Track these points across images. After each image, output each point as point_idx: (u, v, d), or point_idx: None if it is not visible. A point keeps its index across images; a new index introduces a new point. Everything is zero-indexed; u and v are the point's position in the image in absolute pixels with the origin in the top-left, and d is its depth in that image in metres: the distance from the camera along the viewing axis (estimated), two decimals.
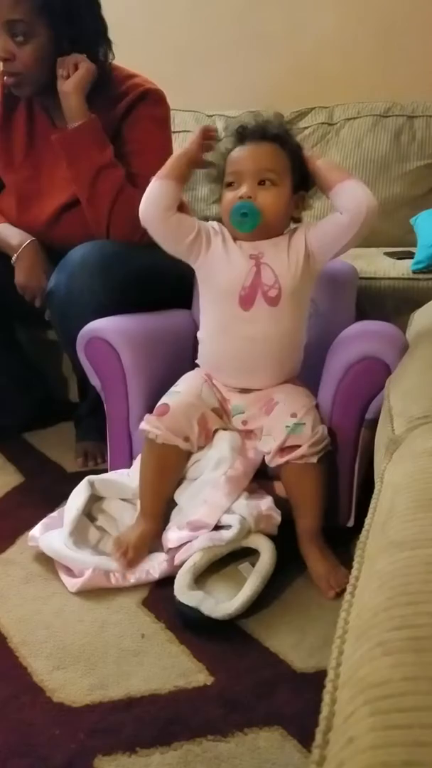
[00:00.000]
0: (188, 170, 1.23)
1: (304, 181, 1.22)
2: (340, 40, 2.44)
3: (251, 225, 1.16)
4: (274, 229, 1.20)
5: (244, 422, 1.26)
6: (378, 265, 1.80)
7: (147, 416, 1.22)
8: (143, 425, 1.21)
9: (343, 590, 1.11)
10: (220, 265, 1.22)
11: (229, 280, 1.21)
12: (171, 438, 1.19)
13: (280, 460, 1.17)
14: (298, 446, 1.15)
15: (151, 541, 1.21)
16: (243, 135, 1.21)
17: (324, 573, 1.15)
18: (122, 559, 1.16)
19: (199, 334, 1.29)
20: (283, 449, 1.17)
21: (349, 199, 1.16)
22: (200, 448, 1.23)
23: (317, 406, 1.23)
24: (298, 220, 1.26)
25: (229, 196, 1.19)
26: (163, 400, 1.23)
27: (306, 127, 2.33)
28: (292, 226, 1.26)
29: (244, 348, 1.22)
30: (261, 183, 1.17)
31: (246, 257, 1.20)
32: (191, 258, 1.24)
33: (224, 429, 1.26)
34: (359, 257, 1.81)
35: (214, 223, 1.26)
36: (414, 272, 1.75)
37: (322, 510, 1.19)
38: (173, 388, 1.26)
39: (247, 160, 1.18)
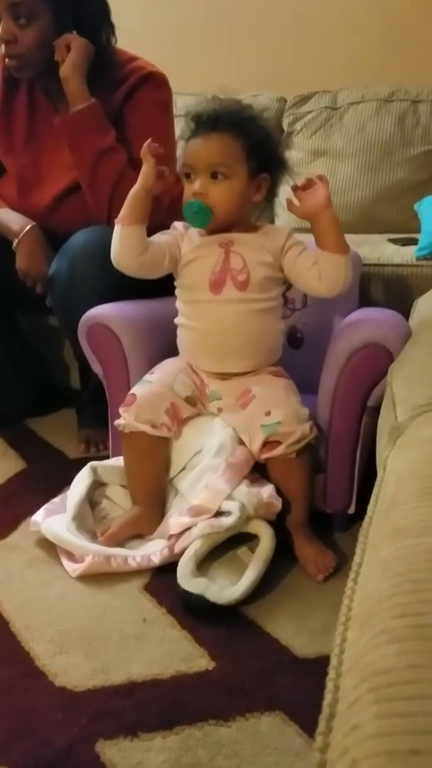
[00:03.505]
0: (149, 203, 1.20)
1: (266, 164, 1.20)
2: (344, 23, 2.42)
3: (202, 222, 1.18)
4: (232, 220, 1.21)
5: (219, 409, 1.26)
6: (381, 251, 1.79)
7: (119, 409, 1.23)
8: (116, 421, 1.24)
9: (331, 573, 1.13)
10: (192, 258, 1.23)
11: (201, 268, 1.22)
12: (136, 425, 1.20)
13: (262, 457, 1.19)
14: (279, 443, 1.16)
15: (143, 525, 1.23)
16: (196, 124, 1.19)
17: (312, 557, 1.17)
18: (101, 536, 1.20)
19: (176, 320, 1.30)
20: (264, 445, 1.18)
21: (333, 274, 1.17)
22: (175, 434, 1.24)
23: (297, 393, 1.23)
24: (261, 203, 1.26)
25: (185, 189, 1.19)
26: (133, 389, 1.24)
27: (309, 112, 2.31)
28: (280, 226, 1.28)
29: (217, 329, 1.22)
30: (214, 176, 1.16)
31: (215, 245, 1.22)
32: (174, 270, 1.26)
33: (197, 416, 1.26)
34: (363, 243, 1.80)
35: (178, 225, 1.28)
36: (418, 258, 1.74)
37: (308, 501, 1.21)
38: (147, 376, 1.26)
39: (197, 154, 1.17)
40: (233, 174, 1.17)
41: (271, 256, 1.21)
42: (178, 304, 1.29)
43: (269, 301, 1.24)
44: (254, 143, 1.18)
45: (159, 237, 1.25)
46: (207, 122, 1.18)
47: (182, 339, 1.30)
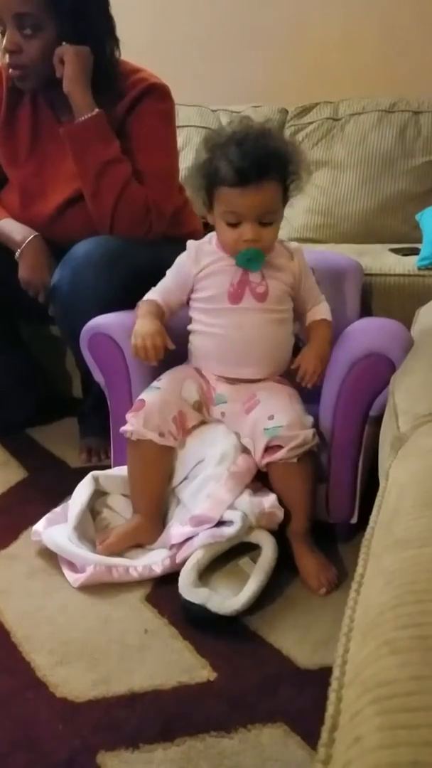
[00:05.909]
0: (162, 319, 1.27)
1: (287, 187, 1.23)
2: (345, 34, 2.43)
3: (257, 266, 1.23)
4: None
5: (223, 413, 1.26)
6: (383, 261, 1.80)
7: (126, 415, 1.23)
8: (123, 427, 1.23)
9: (333, 588, 1.13)
10: (210, 272, 1.26)
11: (219, 281, 1.25)
12: (144, 433, 1.20)
13: (263, 462, 1.19)
14: (280, 447, 1.16)
15: (144, 534, 1.23)
16: (246, 172, 1.15)
17: (314, 571, 1.16)
18: (101, 545, 1.19)
19: (189, 327, 1.31)
20: (266, 450, 1.18)
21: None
22: (179, 443, 1.24)
23: (300, 402, 1.24)
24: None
25: (232, 235, 1.20)
26: (141, 395, 1.24)
27: (311, 123, 2.32)
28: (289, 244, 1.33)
29: (237, 336, 1.25)
30: (262, 220, 1.19)
31: (234, 259, 1.24)
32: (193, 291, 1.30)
33: (201, 424, 1.26)
34: (364, 253, 1.81)
35: (190, 246, 1.29)
36: (419, 268, 1.74)
37: (310, 510, 1.20)
38: (155, 383, 1.27)
39: (250, 204, 1.17)
40: (279, 216, 1.22)
41: (291, 276, 1.27)
42: (194, 313, 1.30)
43: (285, 312, 1.29)
44: (291, 181, 1.22)
45: (167, 283, 1.29)
46: (257, 172, 1.15)
47: (197, 345, 1.30)
